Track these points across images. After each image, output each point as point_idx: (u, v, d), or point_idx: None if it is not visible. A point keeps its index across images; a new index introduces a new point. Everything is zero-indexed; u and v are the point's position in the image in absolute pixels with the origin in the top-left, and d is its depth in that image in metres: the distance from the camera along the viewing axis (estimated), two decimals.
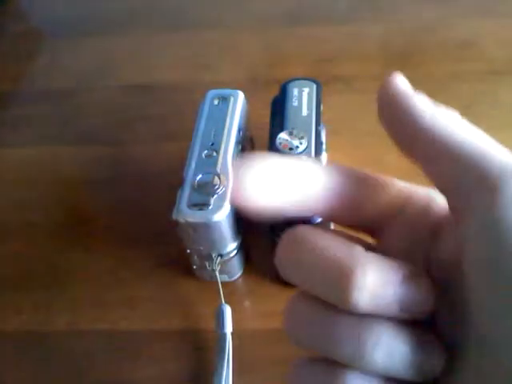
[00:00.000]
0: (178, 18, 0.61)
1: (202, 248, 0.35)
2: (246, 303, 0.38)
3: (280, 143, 0.34)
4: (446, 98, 0.51)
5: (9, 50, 0.60)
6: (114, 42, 0.59)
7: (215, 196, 0.33)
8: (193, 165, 0.34)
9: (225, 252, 0.35)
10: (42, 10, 0.65)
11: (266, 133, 0.37)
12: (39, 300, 0.39)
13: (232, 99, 0.38)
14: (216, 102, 0.38)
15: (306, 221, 0.31)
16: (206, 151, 0.35)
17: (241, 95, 0.38)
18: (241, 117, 0.38)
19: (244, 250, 0.37)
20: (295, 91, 0.38)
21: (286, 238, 0.19)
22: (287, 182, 0.18)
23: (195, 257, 0.36)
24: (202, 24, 0.60)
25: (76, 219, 0.44)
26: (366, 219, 0.20)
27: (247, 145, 0.39)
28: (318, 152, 0.34)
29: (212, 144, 0.35)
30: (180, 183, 0.34)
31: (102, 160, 0.48)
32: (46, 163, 0.48)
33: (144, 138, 0.49)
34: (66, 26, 0.62)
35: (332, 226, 0.37)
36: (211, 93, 0.39)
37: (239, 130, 0.37)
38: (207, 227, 0.33)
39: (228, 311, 0.34)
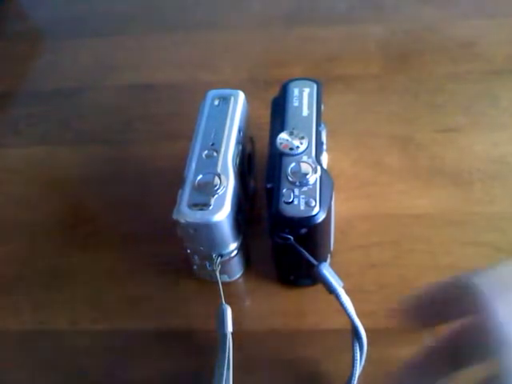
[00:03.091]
0: (178, 18, 0.61)
1: (202, 248, 0.35)
2: (247, 303, 0.38)
3: (280, 143, 0.34)
4: (446, 98, 0.52)
5: (9, 49, 0.60)
6: (114, 42, 0.59)
7: (216, 196, 0.33)
8: (193, 165, 0.34)
9: (225, 252, 0.35)
10: (42, 10, 0.65)
11: (266, 133, 0.37)
12: (39, 300, 0.39)
13: (232, 99, 0.38)
14: (216, 102, 0.38)
15: (307, 221, 0.31)
16: (206, 151, 0.35)
17: (241, 95, 0.38)
18: (241, 117, 0.37)
19: (244, 250, 0.37)
20: (296, 91, 0.38)
21: None
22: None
23: (195, 257, 0.36)
24: (202, 24, 0.60)
25: (76, 219, 0.44)
26: None
27: (247, 145, 0.39)
28: (318, 152, 0.34)
29: (212, 144, 0.35)
30: (180, 183, 0.34)
31: (102, 160, 0.48)
32: (46, 163, 0.48)
33: (144, 138, 0.49)
34: (66, 26, 0.62)
35: (332, 224, 0.37)
36: (211, 93, 0.39)
37: (239, 130, 0.37)
38: (208, 227, 0.33)
39: (228, 311, 0.34)
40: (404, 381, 0.26)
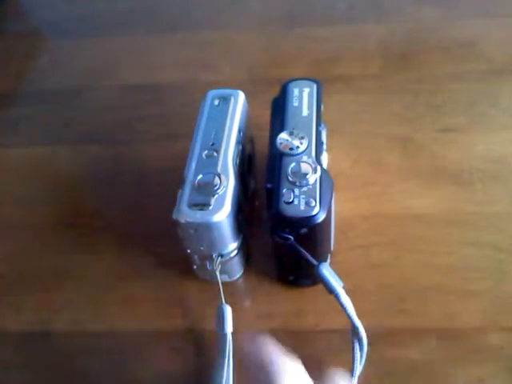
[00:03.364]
0: (178, 18, 0.61)
1: (202, 248, 0.35)
2: (247, 303, 0.38)
3: (280, 143, 0.34)
4: (446, 98, 0.52)
5: (9, 49, 0.60)
6: (114, 42, 0.59)
7: (216, 196, 0.33)
8: (193, 165, 0.34)
9: (225, 252, 0.35)
10: (42, 10, 0.65)
11: (266, 133, 0.37)
12: (39, 300, 0.39)
13: (232, 99, 0.38)
14: (216, 102, 0.38)
15: (307, 221, 0.31)
16: (206, 151, 0.35)
17: (241, 95, 0.38)
18: (241, 117, 0.37)
19: (244, 249, 0.37)
20: (296, 91, 0.38)
21: None
22: None
23: (195, 257, 0.36)
24: (202, 24, 0.60)
25: (76, 219, 0.44)
26: None
27: (247, 145, 0.39)
28: (318, 152, 0.34)
29: (212, 144, 0.35)
30: (180, 183, 0.34)
31: (101, 160, 0.48)
32: (45, 163, 0.48)
33: (144, 138, 0.49)
34: (66, 25, 0.62)
35: (332, 224, 0.37)
36: (211, 93, 0.39)
37: (239, 130, 0.37)
38: (207, 227, 0.33)
39: (228, 311, 0.33)
40: None
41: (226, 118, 0.37)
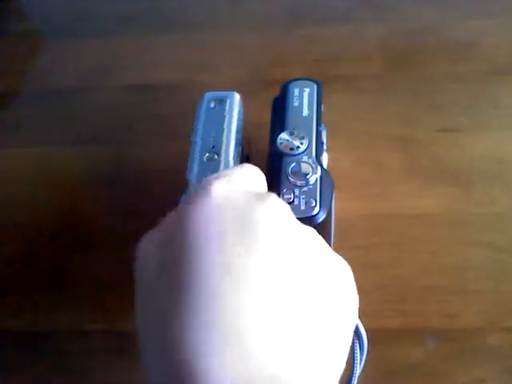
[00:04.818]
0: (178, 18, 0.61)
1: None
2: None
3: (281, 143, 0.34)
4: (446, 98, 0.52)
5: (9, 49, 0.60)
6: (114, 42, 0.59)
7: None
8: (195, 169, 0.34)
9: None
10: (43, 10, 0.65)
11: (266, 133, 0.37)
12: (39, 300, 0.39)
13: (228, 101, 0.38)
14: (212, 105, 0.38)
15: (307, 221, 0.31)
16: (207, 154, 0.35)
17: (236, 96, 0.38)
18: (238, 118, 0.37)
19: None
20: (296, 91, 0.38)
21: None
22: None
23: None
24: (202, 24, 0.60)
25: (76, 219, 0.44)
26: None
27: (245, 146, 0.39)
28: (318, 152, 0.34)
29: (213, 147, 0.35)
30: (180, 183, 0.34)
31: (102, 160, 0.48)
32: (46, 163, 0.48)
33: (144, 138, 0.49)
34: (66, 26, 0.62)
35: (332, 224, 0.37)
36: (207, 95, 0.39)
37: (238, 132, 0.37)
38: None
39: None
40: None
41: (223, 120, 0.37)
